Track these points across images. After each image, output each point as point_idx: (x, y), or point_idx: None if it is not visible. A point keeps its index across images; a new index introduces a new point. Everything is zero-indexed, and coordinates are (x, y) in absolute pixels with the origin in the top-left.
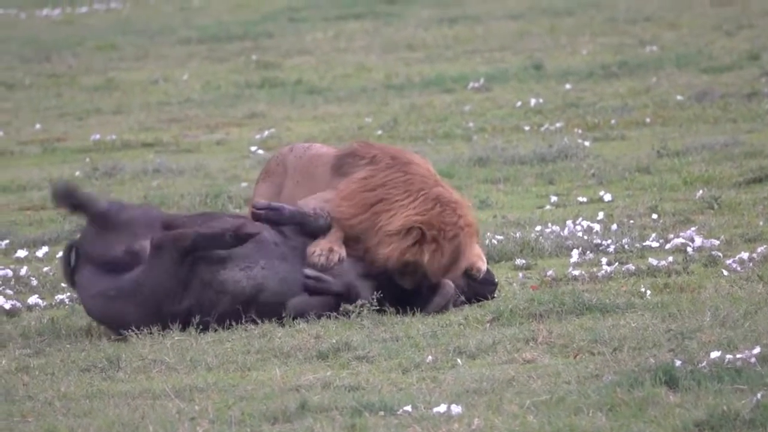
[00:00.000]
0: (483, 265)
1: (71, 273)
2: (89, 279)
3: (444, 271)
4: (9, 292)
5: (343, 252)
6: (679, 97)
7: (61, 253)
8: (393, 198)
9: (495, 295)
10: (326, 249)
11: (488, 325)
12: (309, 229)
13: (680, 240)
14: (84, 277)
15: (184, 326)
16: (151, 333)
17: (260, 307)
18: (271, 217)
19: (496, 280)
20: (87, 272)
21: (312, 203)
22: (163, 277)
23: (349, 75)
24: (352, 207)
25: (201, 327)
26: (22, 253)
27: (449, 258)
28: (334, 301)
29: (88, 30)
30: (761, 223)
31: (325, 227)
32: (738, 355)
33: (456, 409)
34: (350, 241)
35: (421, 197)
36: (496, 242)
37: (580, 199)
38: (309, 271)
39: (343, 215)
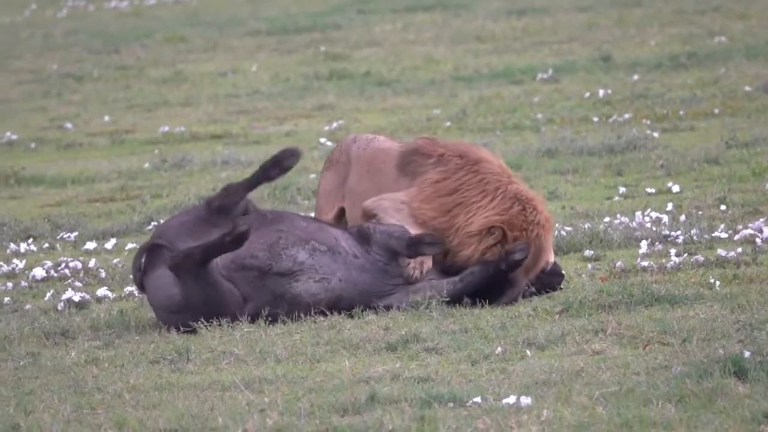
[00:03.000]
0: (552, 257)
1: (141, 278)
2: (155, 288)
3: (526, 270)
4: (78, 284)
5: (430, 263)
6: (747, 88)
7: (132, 246)
8: (470, 200)
9: (562, 287)
10: (419, 262)
11: (557, 316)
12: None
13: (749, 231)
14: (151, 286)
15: (254, 319)
16: (220, 325)
17: (339, 310)
18: None
19: (563, 271)
20: (154, 278)
21: (385, 204)
22: (206, 291)
23: (417, 67)
24: (431, 210)
25: (270, 319)
26: (91, 245)
27: (532, 258)
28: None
29: (156, 22)
30: None
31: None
32: None
33: (525, 400)
34: None
35: (499, 196)
36: (565, 234)
37: (649, 190)
38: None
39: (425, 217)
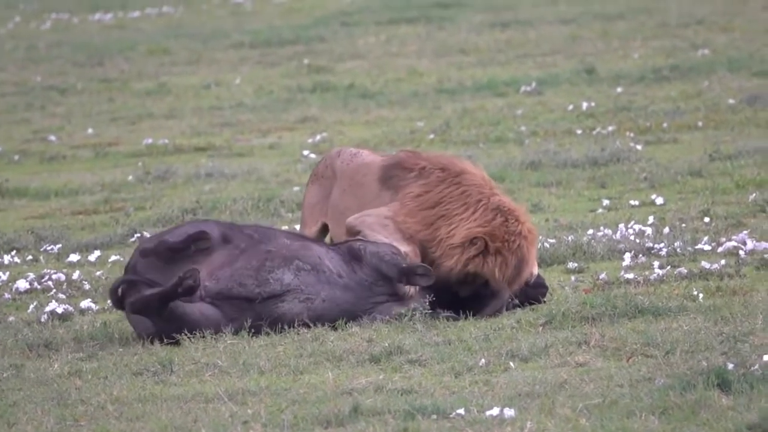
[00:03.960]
0: (535, 269)
1: (122, 305)
2: (133, 321)
3: (509, 281)
4: (62, 296)
5: None
6: (731, 101)
7: (115, 259)
8: (452, 213)
9: (546, 299)
10: None
11: (541, 328)
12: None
13: (732, 243)
14: (131, 319)
15: (237, 331)
16: (203, 337)
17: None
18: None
19: (547, 283)
20: (131, 314)
21: (369, 220)
22: (176, 323)
23: (401, 79)
24: (415, 224)
25: (253, 331)
26: (74, 258)
27: (514, 269)
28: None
29: (140, 34)
30: None
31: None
32: None
33: (509, 412)
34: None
35: (480, 208)
36: (548, 246)
37: (632, 202)
38: None
39: (411, 231)
